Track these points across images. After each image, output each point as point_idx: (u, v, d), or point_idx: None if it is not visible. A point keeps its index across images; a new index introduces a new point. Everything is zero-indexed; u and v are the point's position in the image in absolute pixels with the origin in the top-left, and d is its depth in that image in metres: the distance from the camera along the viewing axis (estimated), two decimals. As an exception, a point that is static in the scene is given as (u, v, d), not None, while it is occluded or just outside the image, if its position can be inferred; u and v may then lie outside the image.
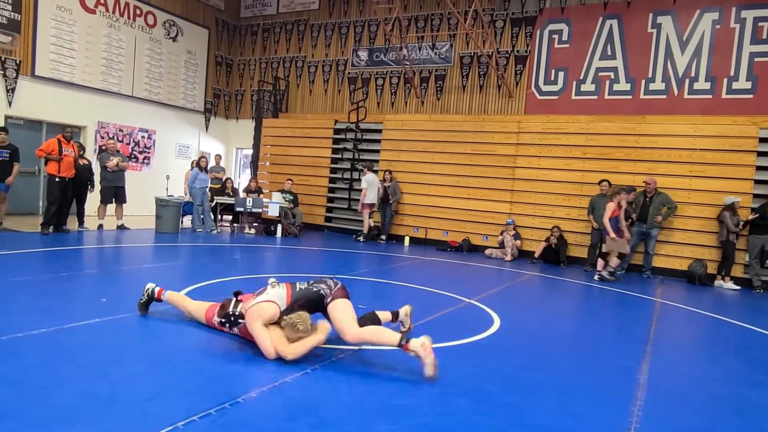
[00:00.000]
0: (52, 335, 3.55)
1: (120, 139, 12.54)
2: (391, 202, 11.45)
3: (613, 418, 2.92)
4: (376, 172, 11.72)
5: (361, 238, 11.40)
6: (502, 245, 10.35)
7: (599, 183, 9.48)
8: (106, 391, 2.73)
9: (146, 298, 4.20)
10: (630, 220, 9.08)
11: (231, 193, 11.80)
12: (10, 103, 10.49)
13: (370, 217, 11.50)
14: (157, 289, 4.19)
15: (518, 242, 10.30)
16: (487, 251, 10.50)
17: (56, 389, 2.72)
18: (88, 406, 2.55)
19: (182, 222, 10.64)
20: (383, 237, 11.61)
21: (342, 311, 3.45)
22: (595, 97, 10.56)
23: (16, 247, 6.99)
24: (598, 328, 5.30)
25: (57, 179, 8.49)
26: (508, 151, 10.83)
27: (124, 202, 9.87)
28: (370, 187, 11.25)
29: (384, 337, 3.31)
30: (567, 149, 10.29)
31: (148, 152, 13.42)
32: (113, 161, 9.49)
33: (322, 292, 3.55)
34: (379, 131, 12.37)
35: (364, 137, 12.58)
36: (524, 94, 11.31)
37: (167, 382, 2.96)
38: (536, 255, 9.99)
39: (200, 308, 4.00)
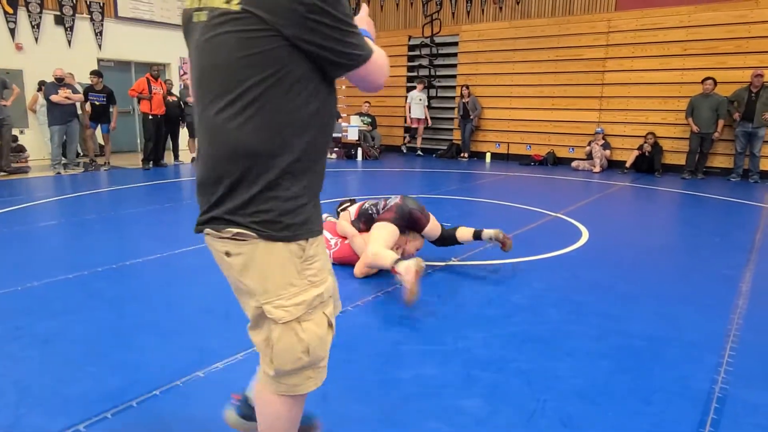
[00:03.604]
0: (167, 259, 3.93)
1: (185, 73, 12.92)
2: (471, 117, 11.15)
3: (713, 326, 2.84)
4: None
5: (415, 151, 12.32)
6: (589, 156, 9.88)
7: (703, 81, 8.61)
8: (220, 305, 3.02)
9: None
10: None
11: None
12: (100, 46, 11.06)
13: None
14: None
15: (607, 152, 9.77)
16: (574, 163, 10.08)
17: (180, 305, 3.05)
18: (207, 319, 2.85)
19: (267, 150, 11.03)
20: (465, 154, 11.43)
21: (371, 235, 3.45)
22: (699, -17, 9.37)
23: (123, 183, 7.64)
24: (697, 238, 5.04)
25: (150, 117, 9.00)
26: (596, 55, 10.03)
27: (210, 134, 10.33)
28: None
29: (383, 260, 3.15)
30: (664, 47, 9.36)
31: (229, 84, 13.78)
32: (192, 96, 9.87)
33: (372, 213, 3.67)
34: (455, 44, 11.85)
35: (439, 52, 12.11)
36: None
37: (272, 297, 3.22)
38: (628, 164, 9.46)
39: None
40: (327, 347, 1.32)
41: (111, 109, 9.07)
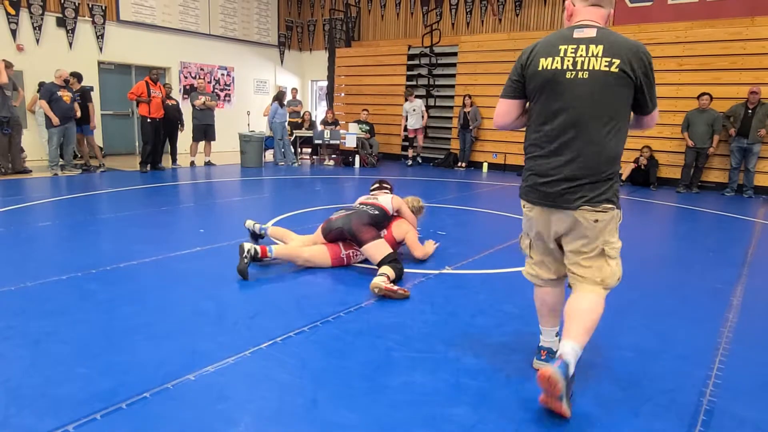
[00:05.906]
0: (162, 262, 3.93)
1: (202, 78, 12.99)
2: (471, 128, 11.20)
3: (702, 339, 2.86)
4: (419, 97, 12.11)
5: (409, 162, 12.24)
6: (585, 168, 9.92)
7: (698, 97, 8.69)
8: (214, 309, 3.04)
9: (249, 259, 3.60)
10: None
11: (309, 126, 12.02)
12: (101, 49, 11.09)
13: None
14: (259, 249, 3.69)
15: (603, 165, 9.81)
16: (570, 175, 10.11)
17: (173, 307, 3.06)
18: (201, 322, 2.86)
19: (265, 156, 11.06)
20: (463, 164, 11.47)
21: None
22: (696, -1, 9.48)
23: (120, 185, 7.64)
24: (690, 251, 5.07)
25: (148, 120, 9.02)
26: (593, 68, 10.09)
27: (213, 140, 10.38)
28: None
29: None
30: (660, 62, 9.43)
31: (229, 89, 13.84)
32: (200, 100, 9.91)
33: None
34: (455, 54, 11.91)
35: (438, 62, 12.19)
36: (613, 2, 10.34)
37: (265, 302, 3.23)
38: (623, 177, 9.50)
39: (319, 252, 3.85)
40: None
41: (89, 108, 8.99)
